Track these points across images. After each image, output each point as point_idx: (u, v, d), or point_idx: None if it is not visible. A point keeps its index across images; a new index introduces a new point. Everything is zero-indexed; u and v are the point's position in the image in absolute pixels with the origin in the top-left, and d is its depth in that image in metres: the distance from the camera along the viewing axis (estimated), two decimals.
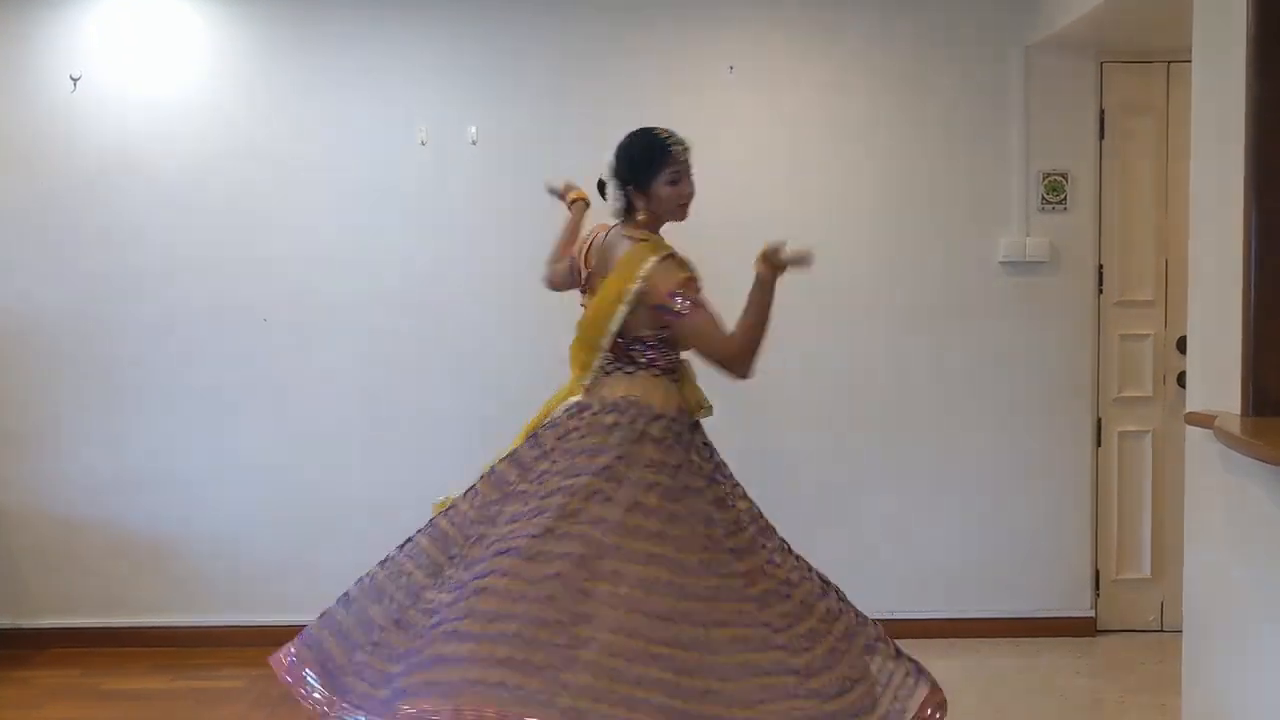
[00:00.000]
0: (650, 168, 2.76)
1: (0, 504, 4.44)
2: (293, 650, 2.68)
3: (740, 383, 2.72)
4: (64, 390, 4.41)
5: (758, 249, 4.71)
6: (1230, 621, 2.80)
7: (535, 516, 2.56)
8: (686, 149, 2.79)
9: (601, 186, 2.87)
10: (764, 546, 2.70)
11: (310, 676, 2.60)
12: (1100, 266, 4.45)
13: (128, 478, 4.43)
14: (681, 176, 2.78)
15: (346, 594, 2.76)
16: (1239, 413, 2.71)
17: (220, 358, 4.44)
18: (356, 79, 4.40)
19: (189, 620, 4.46)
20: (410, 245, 4.43)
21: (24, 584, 4.46)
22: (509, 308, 4.40)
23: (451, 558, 2.64)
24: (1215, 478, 2.84)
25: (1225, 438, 2.59)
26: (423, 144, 4.42)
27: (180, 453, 4.43)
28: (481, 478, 2.79)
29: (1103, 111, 4.41)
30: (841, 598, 2.78)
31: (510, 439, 2.91)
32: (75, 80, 4.38)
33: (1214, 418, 2.69)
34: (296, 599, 4.45)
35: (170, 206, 4.39)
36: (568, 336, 2.94)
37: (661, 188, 2.77)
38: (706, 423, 2.87)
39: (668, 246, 2.77)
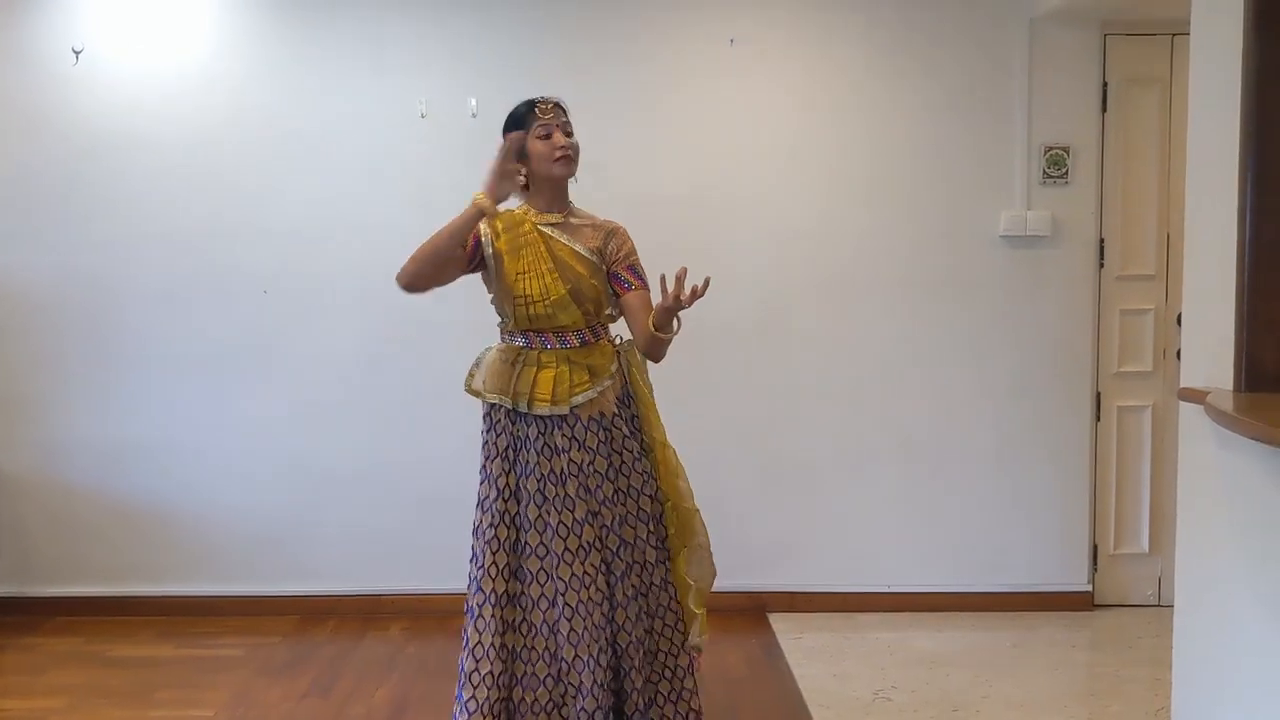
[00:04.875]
0: (519, 126, 2.89)
1: (4, 471, 4.49)
2: None
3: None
4: (67, 358, 4.44)
5: (756, 221, 4.69)
6: (1221, 597, 2.80)
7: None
8: (551, 104, 2.88)
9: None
10: None
11: None
12: (1101, 241, 4.42)
13: (131, 446, 4.47)
14: (551, 130, 2.86)
15: None
16: (1232, 388, 2.70)
17: (221, 327, 4.46)
18: (357, 51, 4.39)
19: (192, 589, 4.50)
20: (410, 217, 4.39)
21: (29, 552, 4.52)
22: None
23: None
24: (1208, 453, 2.83)
25: (1217, 414, 2.57)
26: (423, 116, 4.41)
27: (182, 421, 4.47)
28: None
29: (1105, 84, 4.37)
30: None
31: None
32: (78, 53, 4.38)
33: (1207, 393, 2.68)
34: (297, 569, 4.51)
35: (171, 177, 4.41)
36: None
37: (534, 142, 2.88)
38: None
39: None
